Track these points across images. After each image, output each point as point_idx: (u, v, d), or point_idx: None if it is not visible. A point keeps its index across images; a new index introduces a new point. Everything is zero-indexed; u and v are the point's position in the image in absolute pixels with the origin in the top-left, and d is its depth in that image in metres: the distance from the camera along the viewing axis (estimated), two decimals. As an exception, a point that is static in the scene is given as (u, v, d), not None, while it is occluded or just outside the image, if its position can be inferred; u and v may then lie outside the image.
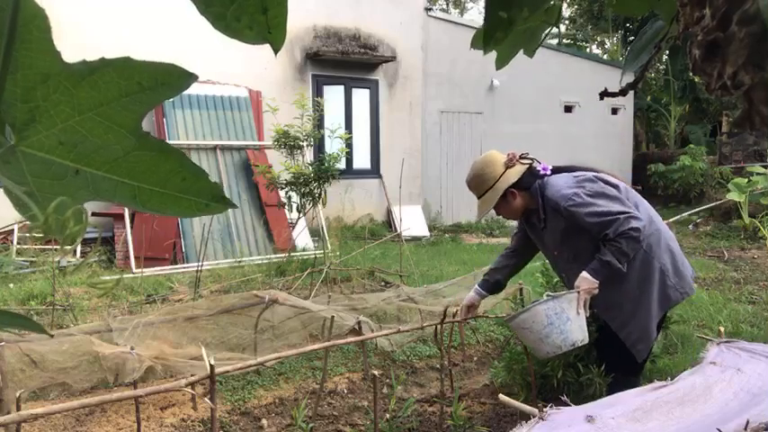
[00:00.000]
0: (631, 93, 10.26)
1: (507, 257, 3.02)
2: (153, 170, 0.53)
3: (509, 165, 2.67)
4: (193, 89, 7.78)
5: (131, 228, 6.91)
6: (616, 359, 2.71)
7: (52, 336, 2.40)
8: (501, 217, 3.11)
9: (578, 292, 2.50)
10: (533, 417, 1.70)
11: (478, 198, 2.75)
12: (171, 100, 7.27)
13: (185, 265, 6.81)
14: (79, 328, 3.27)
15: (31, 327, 0.53)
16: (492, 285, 2.98)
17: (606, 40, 22.64)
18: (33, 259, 6.57)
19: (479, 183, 2.71)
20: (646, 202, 2.73)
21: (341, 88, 10.02)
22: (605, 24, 19.61)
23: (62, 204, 0.47)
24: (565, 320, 2.47)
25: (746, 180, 8.92)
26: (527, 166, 2.70)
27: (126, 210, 6.88)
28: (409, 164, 10.01)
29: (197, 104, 8.10)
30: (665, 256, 2.60)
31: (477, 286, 3.00)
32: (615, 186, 2.59)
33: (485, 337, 4.20)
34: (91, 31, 7.33)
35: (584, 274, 2.52)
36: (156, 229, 6.90)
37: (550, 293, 2.62)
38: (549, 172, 2.73)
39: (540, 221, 2.72)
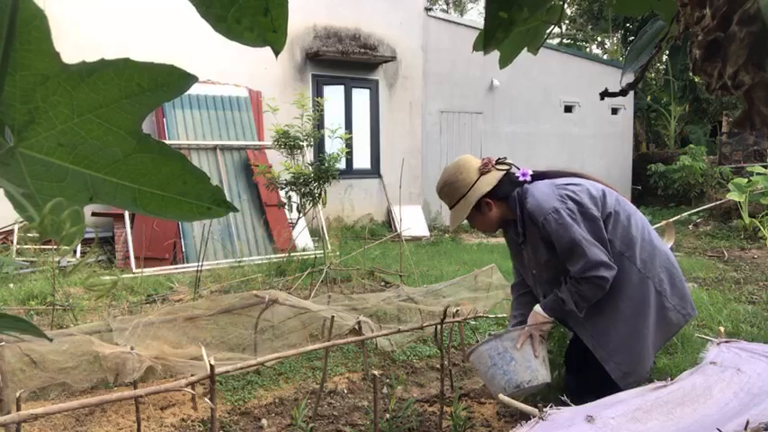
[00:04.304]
0: (631, 93, 10.25)
1: (521, 300, 2.64)
2: (153, 173, 0.52)
3: (484, 171, 2.38)
4: (193, 89, 7.78)
5: (131, 228, 6.91)
6: (596, 384, 2.29)
7: (51, 340, 2.40)
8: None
9: (524, 329, 2.32)
10: (533, 417, 1.70)
11: (450, 208, 2.46)
12: (171, 100, 7.27)
13: (185, 265, 6.81)
14: (79, 328, 3.27)
15: (31, 331, 0.53)
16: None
17: (606, 40, 22.63)
18: (33, 259, 6.57)
19: (451, 191, 2.42)
20: (638, 213, 2.44)
21: (341, 88, 10.02)
22: (605, 24, 19.60)
23: (58, 205, 0.47)
24: (508, 360, 2.30)
25: (746, 180, 8.91)
26: (504, 172, 2.40)
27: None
28: (409, 164, 10.01)
29: (197, 104, 8.10)
30: (662, 274, 2.32)
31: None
32: (599, 198, 2.31)
33: (485, 336, 4.20)
34: (90, 31, 7.34)
35: (537, 308, 2.35)
36: (156, 229, 6.90)
37: (492, 332, 2.46)
38: (528, 178, 2.41)
39: (518, 235, 2.42)
